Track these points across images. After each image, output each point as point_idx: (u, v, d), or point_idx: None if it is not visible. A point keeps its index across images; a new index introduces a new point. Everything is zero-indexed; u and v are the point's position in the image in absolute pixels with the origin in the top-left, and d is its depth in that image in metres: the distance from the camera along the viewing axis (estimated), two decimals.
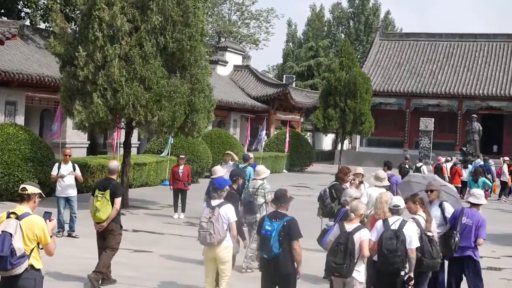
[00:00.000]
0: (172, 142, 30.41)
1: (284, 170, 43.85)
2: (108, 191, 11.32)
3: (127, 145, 22.84)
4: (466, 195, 12.65)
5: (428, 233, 9.70)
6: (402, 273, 9.33)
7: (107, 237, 11.51)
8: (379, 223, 9.62)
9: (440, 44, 62.14)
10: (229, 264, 10.21)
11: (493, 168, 30.80)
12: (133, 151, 31.60)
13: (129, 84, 20.07)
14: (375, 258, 9.44)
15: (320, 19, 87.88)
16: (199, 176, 31.77)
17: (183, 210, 20.49)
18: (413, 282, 9.46)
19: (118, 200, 11.40)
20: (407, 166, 30.65)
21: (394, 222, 9.43)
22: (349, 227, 9.10)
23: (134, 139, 32.10)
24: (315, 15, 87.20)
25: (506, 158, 34.03)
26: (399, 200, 9.74)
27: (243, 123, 49.07)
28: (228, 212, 9.97)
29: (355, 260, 8.92)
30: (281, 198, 9.37)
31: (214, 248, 9.96)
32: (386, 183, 12.35)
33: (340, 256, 8.90)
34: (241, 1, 77.58)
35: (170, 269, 13.02)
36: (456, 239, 10.41)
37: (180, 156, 21.57)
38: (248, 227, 13.32)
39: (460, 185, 28.39)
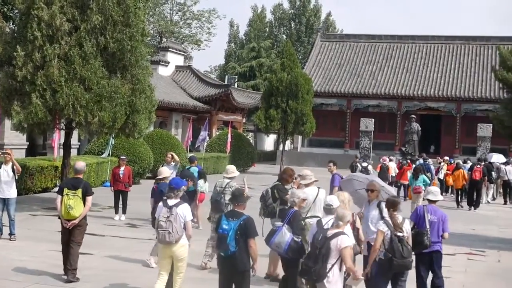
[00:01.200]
0: (112, 143, 30.12)
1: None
2: (80, 190, 11.90)
3: (67, 146, 22.52)
4: (424, 192, 12.99)
5: (399, 233, 9.79)
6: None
7: (74, 232, 12.01)
8: (314, 223, 9.79)
9: (380, 46, 63.09)
10: (185, 261, 10.47)
11: (432, 167, 31.49)
12: (73, 152, 31.16)
13: (68, 85, 19.81)
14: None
15: (262, 20, 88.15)
16: (140, 177, 31.54)
17: (124, 212, 20.32)
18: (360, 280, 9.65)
19: (89, 198, 12.09)
20: (358, 165, 31.59)
21: (327, 221, 9.47)
22: (330, 232, 9.06)
23: (74, 140, 31.70)
24: (256, 16, 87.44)
25: (446, 158, 35.50)
26: (332, 200, 9.75)
27: (185, 123, 48.92)
28: (185, 211, 10.27)
29: (328, 265, 8.85)
30: (238, 197, 9.64)
31: (172, 246, 10.19)
32: (312, 179, 12.40)
33: (313, 259, 8.95)
34: (182, 1, 77.31)
35: (111, 271, 12.91)
36: (429, 235, 10.76)
37: (121, 157, 21.37)
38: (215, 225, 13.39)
39: (407, 182, 29.03)
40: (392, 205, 10.06)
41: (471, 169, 29.98)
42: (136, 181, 29.47)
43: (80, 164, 12.58)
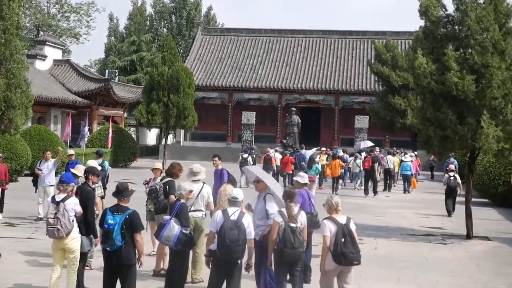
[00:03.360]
0: None
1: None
2: None
3: None
4: (295, 177, 13.49)
5: (292, 224, 9.93)
6: (239, 261, 9.70)
7: None
8: (219, 213, 9.88)
9: (260, 40, 63.80)
10: (77, 253, 10.50)
11: (307, 157, 32.74)
12: None
13: None
14: (212, 247, 9.69)
15: (142, 13, 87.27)
16: (18, 174, 30.66)
17: (1, 211, 19.68)
18: (251, 268, 9.99)
19: None
20: (254, 156, 33.49)
21: (233, 213, 9.74)
22: (341, 219, 9.86)
23: None
24: (136, 9, 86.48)
25: (323, 149, 36.91)
26: (238, 192, 10.06)
27: (64, 119, 47.82)
28: (73, 205, 10.36)
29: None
30: (123, 191, 9.67)
31: (63, 240, 10.27)
32: (203, 176, 12.47)
33: (351, 245, 9.73)
34: None
35: None
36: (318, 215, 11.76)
37: None
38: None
39: (291, 172, 31.61)
40: (289, 196, 10.23)
41: (364, 159, 32.54)
42: (14, 179, 28.66)
43: None
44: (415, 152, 39.07)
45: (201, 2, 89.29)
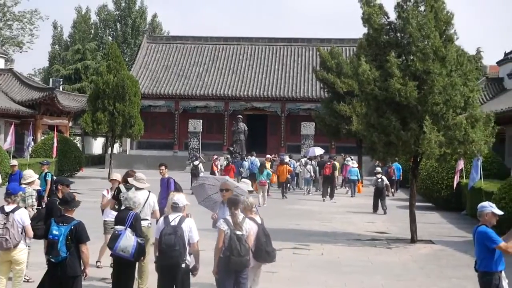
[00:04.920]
0: None
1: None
2: None
3: None
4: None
5: (238, 232, 9.93)
6: (183, 265, 9.72)
7: None
8: (161, 220, 9.98)
9: (206, 47, 63.80)
10: (24, 265, 10.51)
11: (246, 164, 35.15)
12: None
13: None
14: (158, 253, 9.80)
15: (87, 21, 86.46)
16: None
17: None
18: (197, 272, 9.97)
19: None
20: (195, 163, 34.80)
21: (174, 218, 9.82)
22: (258, 219, 10.44)
23: None
24: (81, 17, 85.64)
25: (268, 156, 37.93)
26: (179, 198, 10.13)
27: (7, 129, 46.99)
28: (23, 216, 10.33)
29: None
30: (71, 202, 9.59)
31: (10, 251, 10.24)
32: (147, 184, 12.45)
33: (269, 243, 10.43)
34: (2, 1, 74.07)
35: None
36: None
37: None
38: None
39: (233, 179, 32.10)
40: (234, 203, 10.24)
41: (323, 165, 34.13)
42: None
43: None
44: (351, 157, 39.82)
45: (146, 10, 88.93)
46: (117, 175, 14.46)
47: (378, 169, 29.18)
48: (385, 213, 26.69)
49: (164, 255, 9.62)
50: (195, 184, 13.47)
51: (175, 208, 10.01)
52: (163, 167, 16.87)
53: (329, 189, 33.00)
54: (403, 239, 19.75)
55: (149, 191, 12.45)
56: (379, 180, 27.38)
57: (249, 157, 36.60)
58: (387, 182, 27.82)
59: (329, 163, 34.35)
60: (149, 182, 12.94)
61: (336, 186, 34.68)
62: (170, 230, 9.66)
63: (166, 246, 9.56)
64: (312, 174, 35.50)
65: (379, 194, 27.27)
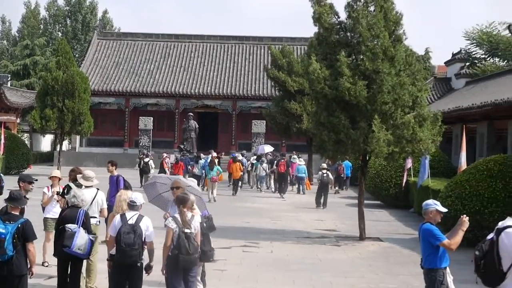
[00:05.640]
0: None
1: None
2: None
3: None
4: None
5: (186, 230, 9.88)
6: (139, 264, 9.73)
7: None
8: (117, 218, 9.90)
9: (157, 44, 63.44)
10: None
11: (201, 162, 35.56)
12: None
13: None
14: (113, 251, 9.76)
15: (36, 16, 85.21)
16: None
17: None
18: (151, 270, 9.93)
19: None
20: (146, 160, 35.31)
21: (131, 217, 9.78)
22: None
23: None
24: (30, 12, 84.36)
25: (214, 154, 37.73)
26: (137, 196, 10.06)
27: None
28: None
29: None
30: (20, 200, 9.42)
31: None
32: (96, 182, 12.34)
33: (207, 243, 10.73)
34: None
35: None
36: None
37: None
38: None
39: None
40: (182, 201, 10.20)
41: (277, 163, 34.87)
42: None
43: None
44: (299, 155, 40.20)
45: (97, 6, 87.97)
46: (57, 172, 14.37)
47: (324, 165, 30.42)
48: (324, 207, 27.98)
49: (123, 254, 9.57)
50: (147, 183, 13.39)
51: (132, 206, 9.97)
52: (109, 165, 16.72)
53: (282, 186, 33.83)
54: (351, 237, 19.95)
55: (97, 189, 12.36)
56: (325, 175, 28.77)
57: (203, 156, 37.35)
58: (332, 177, 30.03)
59: (282, 160, 35.05)
60: (99, 179, 12.85)
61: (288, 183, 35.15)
62: (128, 229, 9.62)
63: (126, 245, 9.52)
64: (268, 171, 36.16)
65: (323, 189, 28.41)
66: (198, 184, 33.20)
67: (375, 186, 29.15)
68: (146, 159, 35.39)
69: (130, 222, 9.71)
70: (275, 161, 36.08)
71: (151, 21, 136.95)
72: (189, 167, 35.33)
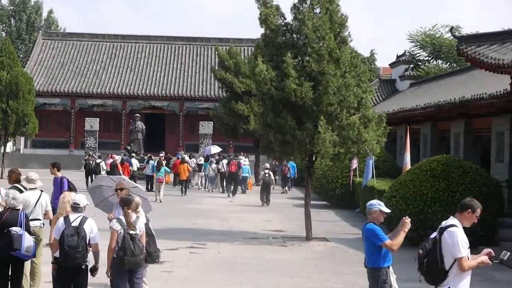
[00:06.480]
0: None
1: None
2: None
3: None
4: None
5: (131, 232, 9.81)
6: (83, 266, 9.61)
7: None
8: (61, 220, 9.78)
9: (104, 45, 62.86)
10: None
11: (151, 163, 35.77)
12: None
13: None
14: (57, 254, 9.61)
15: None
16: None
17: None
18: (97, 272, 9.82)
19: None
20: (91, 162, 36.11)
21: (75, 219, 9.66)
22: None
23: None
24: None
25: (162, 155, 37.78)
26: (80, 198, 9.95)
27: None
28: None
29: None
30: None
31: None
32: (39, 184, 12.20)
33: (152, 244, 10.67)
34: None
35: None
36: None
37: None
38: None
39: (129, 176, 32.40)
40: (126, 203, 10.14)
41: (228, 163, 35.56)
42: None
43: None
44: (245, 155, 40.44)
45: (42, 6, 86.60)
46: None
47: (267, 165, 32.38)
48: (267, 204, 29.43)
49: (67, 257, 9.45)
50: (92, 185, 13.26)
51: (76, 208, 9.85)
52: (52, 167, 16.50)
53: (232, 186, 34.63)
54: (298, 237, 20.10)
55: (41, 191, 12.20)
56: (267, 175, 30.29)
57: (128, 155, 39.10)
58: (273, 177, 32.23)
59: (234, 160, 35.83)
60: (43, 181, 12.70)
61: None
62: (72, 231, 9.50)
63: (69, 248, 9.40)
64: (217, 172, 36.63)
65: (266, 188, 29.91)
66: (151, 184, 33.95)
67: (321, 187, 29.42)
68: (98, 160, 35.51)
69: (73, 224, 9.59)
70: (227, 161, 36.38)
71: (97, 22, 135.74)
72: (130, 168, 36.17)
